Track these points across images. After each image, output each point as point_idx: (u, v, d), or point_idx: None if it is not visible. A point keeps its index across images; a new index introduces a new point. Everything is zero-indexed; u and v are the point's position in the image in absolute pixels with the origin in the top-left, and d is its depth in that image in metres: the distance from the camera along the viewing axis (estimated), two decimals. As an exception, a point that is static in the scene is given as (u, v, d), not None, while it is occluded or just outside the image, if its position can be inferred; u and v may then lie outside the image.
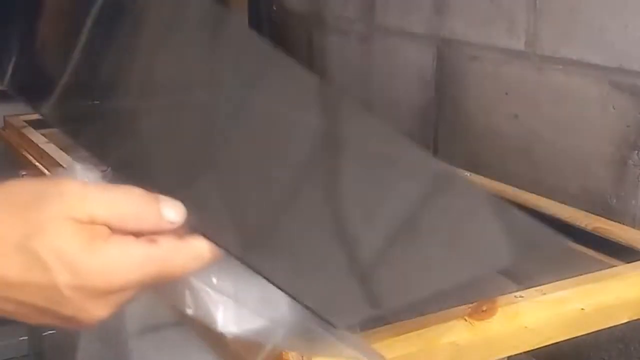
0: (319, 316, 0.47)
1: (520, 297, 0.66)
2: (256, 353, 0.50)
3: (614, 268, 0.75)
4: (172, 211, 0.45)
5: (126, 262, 0.44)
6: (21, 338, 1.59)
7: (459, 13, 1.12)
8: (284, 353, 0.57)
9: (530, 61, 1.00)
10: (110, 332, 0.92)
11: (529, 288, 0.68)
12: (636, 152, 0.87)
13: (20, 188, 0.45)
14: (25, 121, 1.28)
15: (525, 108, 1.02)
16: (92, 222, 0.44)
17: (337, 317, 0.47)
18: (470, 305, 0.64)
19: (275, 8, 1.63)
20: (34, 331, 1.55)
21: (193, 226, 0.46)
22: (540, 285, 0.68)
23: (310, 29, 1.51)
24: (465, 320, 0.62)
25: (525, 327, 0.65)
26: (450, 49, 1.15)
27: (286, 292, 0.47)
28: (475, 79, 1.10)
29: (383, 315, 0.55)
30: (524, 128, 1.02)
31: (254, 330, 0.48)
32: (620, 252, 0.79)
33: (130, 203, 0.45)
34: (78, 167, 0.47)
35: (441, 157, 1.15)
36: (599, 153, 0.91)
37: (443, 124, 1.18)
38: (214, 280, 0.48)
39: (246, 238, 0.50)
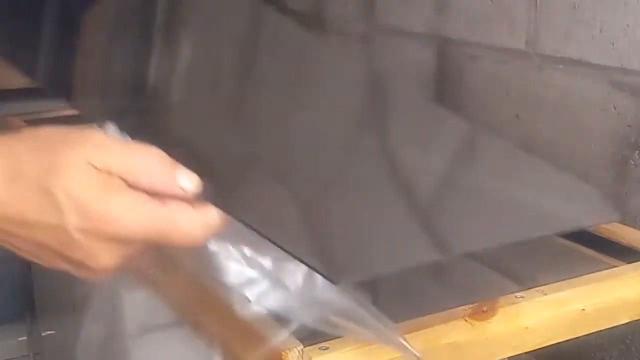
0: (320, 273, 0.48)
1: (521, 297, 0.66)
2: (273, 335, 0.52)
3: (615, 268, 0.75)
4: (187, 180, 0.47)
5: (132, 214, 0.46)
6: (21, 338, 1.59)
7: (460, 13, 1.12)
8: (283, 353, 0.57)
9: (531, 61, 1.00)
10: (110, 332, 0.92)
11: (529, 288, 0.67)
12: (637, 152, 0.86)
13: (47, 132, 0.48)
14: (25, 121, 1.28)
15: (526, 108, 1.01)
16: (108, 172, 0.46)
17: (337, 275, 0.48)
18: (471, 305, 0.63)
19: (274, 7, 1.63)
20: (34, 331, 1.55)
21: (205, 198, 0.48)
22: (541, 285, 0.68)
23: (310, 28, 1.51)
24: (466, 320, 0.62)
25: (526, 327, 0.65)
26: (450, 49, 1.14)
27: (289, 253, 0.49)
28: (475, 78, 1.10)
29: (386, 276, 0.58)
30: (524, 128, 1.02)
31: (281, 308, 0.51)
32: (621, 253, 0.78)
33: (148, 162, 0.47)
34: (111, 126, 0.50)
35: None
36: (600, 153, 0.91)
37: (443, 124, 1.18)
38: (247, 251, 0.50)
39: (254, 206, 0.53)
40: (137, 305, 0.87)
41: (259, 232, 0.49)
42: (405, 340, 0.54)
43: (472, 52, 1.10)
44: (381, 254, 0.54)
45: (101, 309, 0.95)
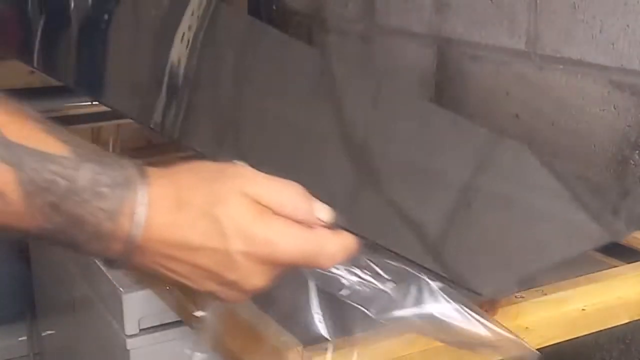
0: (466, 289, 0.55)
1: (521, 297, 0.66)
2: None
3: (614, 268, 0.75)
4: (324, 211, 0.52)
5: (289, 237, 0.50)
6: (21, 338, 1.59)
7: (460, 13, 1.12)
8: (284, 353, 0.57)
9: (531, 61, 1.00)
10: (110, 332, 0.92)
11: (529, 288, 0.67)
12: (637, 152, 0.86)
13: (204, 165, 0.53)
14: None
15: (526, 108, 1.01)
16: (259, 202, 0.50)
17: (482, 287, 0.57)
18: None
19: (275, 8, 1.63)
20: (34, 331, 1.55)
21: (338, 226, 0.53)
22: (541, 285, 0.68)
23: (311, 28, 1.51)
24: (466, 320, 0.62)
25: (526, 327, 0.65)
26: (450, 49, 1.14)
27: (431, 271, 0.54)
28: (475, 78, 1.10)
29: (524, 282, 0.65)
30: (524, 128, 1.01)
31: (398, 320, 0.55)
32: (621, 253, 0.78)
33: (290, 194, 0.52)
34: (241, 162, 0.54)
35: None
36: (600, 153, 0.91)
37: (443, 124, 1.17)
38: (365, 271, 0.56)
39: (383, 228, 0.61)
40: (137, 305, 0.87)
41: (396, 253, 0.57)
42: (520, 338, 0.57)
43: (472, 52, 1.10)
44: (515, 260, 0.61)
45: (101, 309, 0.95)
